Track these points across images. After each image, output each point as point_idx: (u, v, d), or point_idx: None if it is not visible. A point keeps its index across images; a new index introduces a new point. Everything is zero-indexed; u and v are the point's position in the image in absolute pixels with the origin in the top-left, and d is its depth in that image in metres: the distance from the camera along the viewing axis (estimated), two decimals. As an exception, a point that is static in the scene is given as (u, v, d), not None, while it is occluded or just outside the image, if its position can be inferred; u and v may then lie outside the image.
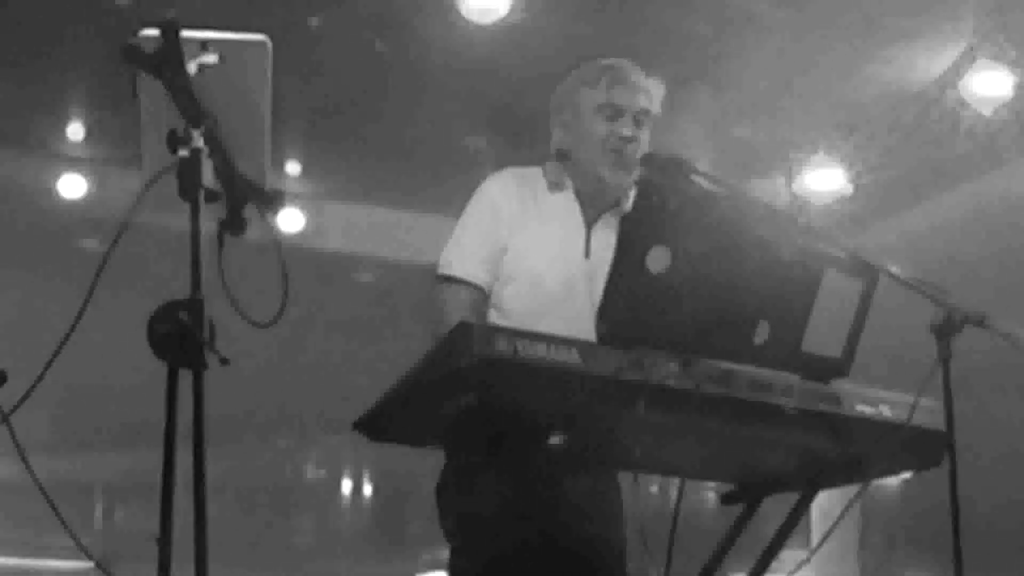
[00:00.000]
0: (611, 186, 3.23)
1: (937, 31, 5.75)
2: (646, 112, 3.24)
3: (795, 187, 6.90)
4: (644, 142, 3.23)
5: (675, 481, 3.06)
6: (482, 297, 3.19)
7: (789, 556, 2.96)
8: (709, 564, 2.93)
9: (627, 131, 3.20)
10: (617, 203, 3.27)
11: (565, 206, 3.27)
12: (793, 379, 2.57)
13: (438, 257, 3.25)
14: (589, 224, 3.26)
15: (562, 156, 3.30)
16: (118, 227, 2.26)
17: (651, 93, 3.27)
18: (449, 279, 3.20)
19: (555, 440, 2.56)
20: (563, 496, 3.09)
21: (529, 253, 3.19)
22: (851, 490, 2.87)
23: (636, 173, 3.21)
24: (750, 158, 6.75)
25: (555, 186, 3.28)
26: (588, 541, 3.14)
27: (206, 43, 2.36)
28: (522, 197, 3.24)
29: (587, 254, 3.22)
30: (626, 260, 2.39)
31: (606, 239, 3.20)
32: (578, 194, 3.27)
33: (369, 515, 13.94)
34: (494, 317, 3.18)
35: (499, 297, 3.20)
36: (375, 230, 8.07)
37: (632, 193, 3.26)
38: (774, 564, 2.94)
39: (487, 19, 5.66)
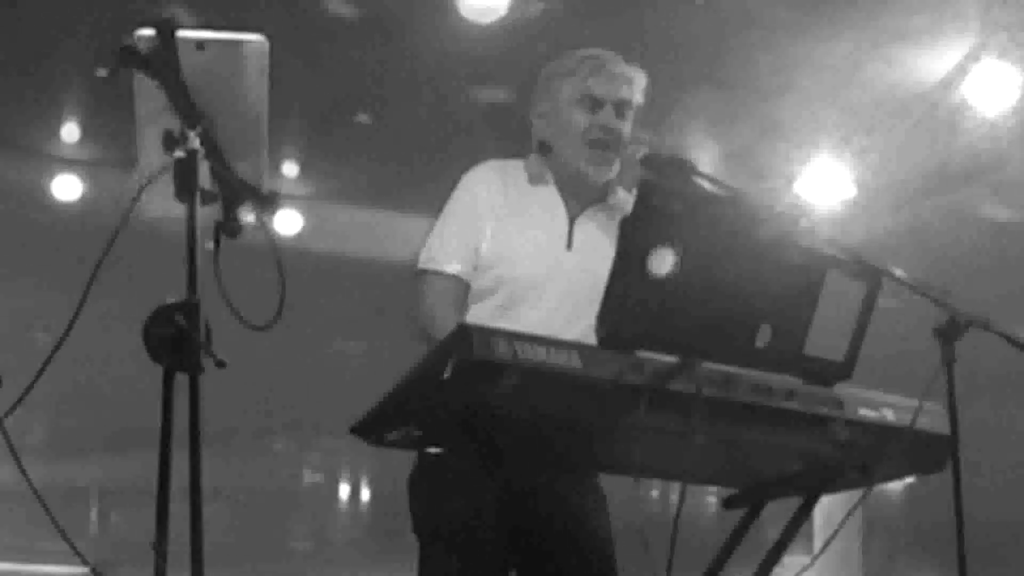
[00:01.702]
0: (591, 180, 3.20)
1: (941, 30, 5.73)
2: (627, 102, 3.19)
3: (797, 189, 6.88)
4: (626, 134, 3.19)
5: (676, 485, 3.04)
6: (464, 289, 3.17)
7: (791, 562, 2.93)
8: (711, 569, 2.91)
9: (608, 122, 3.16)
10: (602, 197, 3.25)
11: (548, 199, 3.24)
12: (795, 383, 2.55)
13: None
14: (573, 217, 3.24)
15: (544, 149, 3.28)
16: (113, 229, 2.24)
17: (633, 83, 3.21)
18: (433, 273, 3.17)
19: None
20: (549, 495, 3.09)
21: (505, 242, 3.17)
22: (854, 495, 2.85)
23: (616, 168, 3.19)
24: (752, 159, 6.73)
25: (536, 179, 3.25)
26: (577, 537, 3.15)
27: (203, 43, 2.34)
28: (505, 189, 3.22)
29: (569, 245, 3.20)
30: (626, 262, 2.37)
31: (590, 232, 3.19)
32: (560, 188, 3.24)
33: (366, 519, 13.92)
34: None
35: (474, 285, 3.18)
36: (373, 232, 8.05)
37: (618, 189, 3.26)
38: (776, 569, 2.92)
39: (487, 19, 5.64)
